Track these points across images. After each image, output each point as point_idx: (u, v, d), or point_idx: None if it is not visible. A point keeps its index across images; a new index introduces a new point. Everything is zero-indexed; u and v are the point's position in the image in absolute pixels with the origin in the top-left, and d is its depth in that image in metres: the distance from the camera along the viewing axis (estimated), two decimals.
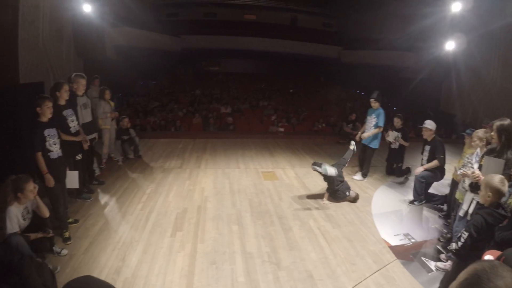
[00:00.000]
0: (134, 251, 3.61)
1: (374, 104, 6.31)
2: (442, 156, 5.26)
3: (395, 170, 6.92)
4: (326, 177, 5.17)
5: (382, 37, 16.67)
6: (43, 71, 7.34)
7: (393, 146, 6.91)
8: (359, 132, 6.58)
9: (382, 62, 17.48)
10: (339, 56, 20.37)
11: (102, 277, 3.11)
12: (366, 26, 18.73)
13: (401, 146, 6.84)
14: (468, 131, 4.73)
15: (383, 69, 17.49)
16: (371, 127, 6.34)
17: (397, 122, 6.85)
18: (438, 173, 5.40)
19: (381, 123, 6.21)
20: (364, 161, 6.64)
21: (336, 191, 5.22)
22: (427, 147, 5.42)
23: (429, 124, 5.41)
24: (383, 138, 6.76)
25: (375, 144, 6.42)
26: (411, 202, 5.50)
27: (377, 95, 6.31)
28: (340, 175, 5.26)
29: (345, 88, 20.70)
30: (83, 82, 5.18)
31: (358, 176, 6.62)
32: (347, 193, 5.29)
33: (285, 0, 18.98)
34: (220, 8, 20.09)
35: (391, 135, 6.82)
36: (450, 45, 11.68)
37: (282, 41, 20.16)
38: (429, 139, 5.43)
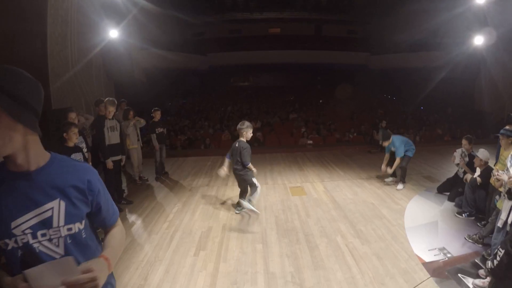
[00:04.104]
0: (157, 270, 3.61)
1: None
2: None
3: (451, 193, 5.79)
4: None
5: (408, 38, 16.16)
6: (75, 96, 7.74)
7: (459, 172, 5.75)
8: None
9: (410, 64, 16.99)
10: (366, 62, 19.98)
11: None
12: (391, 28, 18.28)
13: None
14: (502, 130, 4.26)
15: (413, 71, 16.95)
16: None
17: (465, 144, 5.59)
18: None
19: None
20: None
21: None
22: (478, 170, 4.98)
23: (481, 154, 4.84)
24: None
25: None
26: (459, 213, 5.09)
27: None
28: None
29: (374, 95, 20.15)
30: (111, 109, 5.42)
31: (400, 186, 6.43)
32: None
33: (308, 10, 18.91)
34: (245, 24, 20.40)
35: (457, 154, 5.65)
36: (478, 40, 11.06)
37: (308, 52, 20.16)
38: (481, 169, 4.90)
